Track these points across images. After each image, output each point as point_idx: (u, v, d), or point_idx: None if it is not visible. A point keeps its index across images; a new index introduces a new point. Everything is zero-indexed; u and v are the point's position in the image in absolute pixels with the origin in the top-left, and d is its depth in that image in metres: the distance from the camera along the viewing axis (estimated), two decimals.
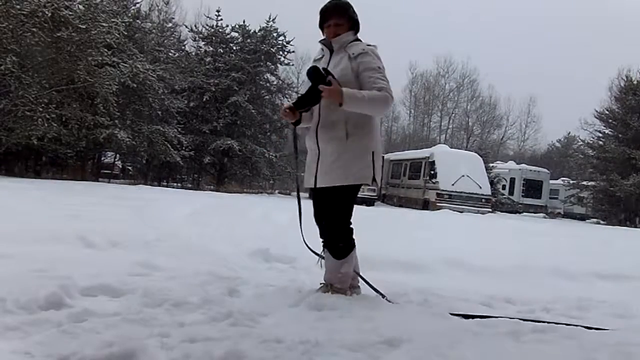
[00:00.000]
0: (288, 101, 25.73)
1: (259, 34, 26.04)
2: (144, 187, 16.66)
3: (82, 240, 4.38)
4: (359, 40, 3.26)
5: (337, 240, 3.19)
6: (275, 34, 26.00)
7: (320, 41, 3.34)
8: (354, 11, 3.28)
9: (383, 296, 3.25)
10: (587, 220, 27.45)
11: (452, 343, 2.48)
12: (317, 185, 3.20)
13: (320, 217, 3.26)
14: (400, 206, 23.91)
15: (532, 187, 31.48)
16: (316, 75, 3.06)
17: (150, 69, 19.19)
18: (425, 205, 21.93)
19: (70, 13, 15.81)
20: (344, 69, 3.13)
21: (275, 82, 27.27)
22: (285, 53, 26.22)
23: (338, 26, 3.22)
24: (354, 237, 3.25)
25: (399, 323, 2.76)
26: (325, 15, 3.24)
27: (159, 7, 28.04)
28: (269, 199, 19.06)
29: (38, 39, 15.03)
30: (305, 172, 3.34)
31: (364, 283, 3.39)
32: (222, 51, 26.21)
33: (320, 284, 3.28)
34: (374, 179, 3.21)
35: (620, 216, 26.08)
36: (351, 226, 3.24)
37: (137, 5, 22.73)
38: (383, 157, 3.54)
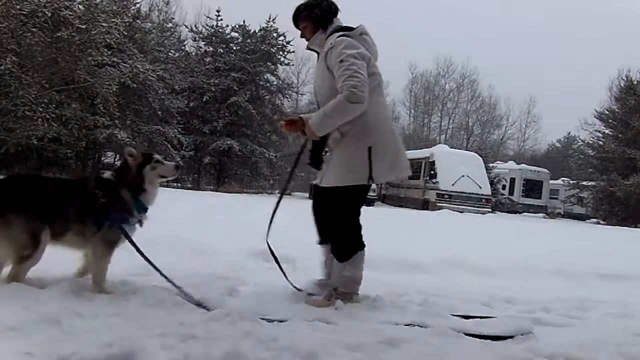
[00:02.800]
0: (288, 100, 24.90)
1: (259, 34, 26.01)
2: None
3: None
4: (335, 32, 3.19)
5: (339, 241, 3.16)
6: (275, 34, 25.96)
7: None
8: (312, 9, 3.25)
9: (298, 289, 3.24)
10: (587, 220, 27.42)
11: (453, 343, 2.49)
12: (320, 184, 3.20)
13: (318, 216, 3.26)
14: (400, 206, 23.88)
15: (532, 187, 31.43)
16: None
17: (150, 69, 19.17)
18: (425, 205, 21.94)
19: (70, 13, 15.78)
20: (323, 70, 3.16)
21: (275, 82, 27.25)
22: (285, 53, 26.19)
23: (304, 29, 3.30)
24: (363, 240, 3.21)
25: (399, 323, 2.76)
26: (294, 24, 3.35)
27: (159, 7, 28.06)
28: (269, 199, 19.03)
29: (38, 39, 15.01)
30: None
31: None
32: (222, 51, 26.18)
33: (318, 281, 3.29)
34: (370, 177, 3.07)
35: (620, 216, 26.05)
36: (356, 228, 3.19)
37: (137, 5, 22.70)
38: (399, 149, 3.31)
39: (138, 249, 3.02)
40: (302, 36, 3.35)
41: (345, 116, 2.99)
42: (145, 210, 3.10)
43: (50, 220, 2.84)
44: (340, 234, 3.16)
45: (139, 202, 3.06)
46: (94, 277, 2.94)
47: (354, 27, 3.22)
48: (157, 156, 3.17)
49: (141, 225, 3.11)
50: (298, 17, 3.31)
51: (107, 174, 3.11)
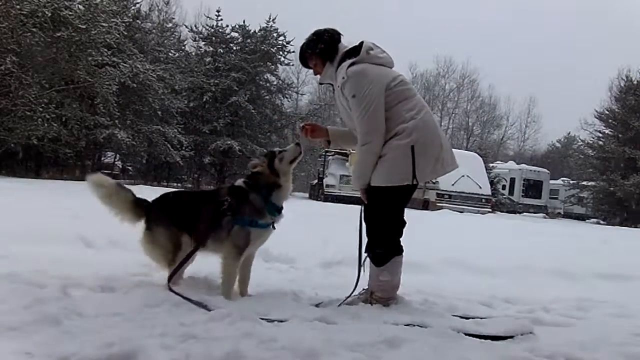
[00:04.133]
0: (288, 100, 24.90)
1: (259, 34, 26.00)
2: (144, 187, 16.64)
3: (82, 240, 4.38)
4: (344, 60, 3.15)
5: (377, 245, 3.12)
6: (275, 34, 25.96)
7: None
8: (315, 45, 3.24)
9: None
10: (587, 220, 27.43)
11: (453, 343, 2.49)
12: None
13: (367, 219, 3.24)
14: None
15: (532, 187, 31.42)
16: None
17: (150, 69, 19.16)
18: (425, 205, 21.90)
19: (70, 13, 15.79)
20: (344, 102, 3.18)
21: (275, 82, 27.24)
22: (285, 53, 26.18)
23: (315, 67, 3.32)
24: (401, 246, 3.16)
25: (399, 323, 2.76)
26: (303, 65, 3.41)
27: (159, 7, 28.06)
28: None
29: (38, 39, 15.00)
30: None
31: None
32: (222, 51, 26.17)
33: (363, 289, 3.22)
34: (414, 177, 3.03)
35: (620, 216, 26.06)
36: (395, 232, 3.15)
37: (137, 5, 22.70)
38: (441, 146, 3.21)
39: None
40: (315, 73, 3.38)
41: (369, 158, 3.09)
42: (279, 211, 3.16)
43: (191, 229, 3.12)
44: (379, 237, 3.12)
45: (271, 204, 3.12)
46: (222, 280, 3.09)
47: (358, 45, 3.17)
48: (276, 149, 3.35)
49: (274, 227, 3.16)
50: (305, 57, 3.33)
51: (239, 182, 3.27)
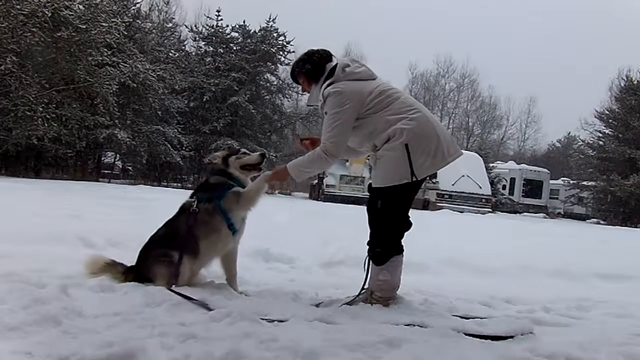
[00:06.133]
0: (288, 100, 24.88)
1: (259, 34, 26.03)
2: (144, 187, 16.66)
3: (82, 240, 4.38)
4: (327, 80, 3.22)
5: (377, 244, 3.13)
6: (275, 34, 25.99)
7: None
8: (303, 64, 3.33)
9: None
10: (587, 220, 27.42)
11: (453, 343, 2.49)
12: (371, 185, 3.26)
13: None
14: None
15: (532, 187, 31.42)
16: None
17: (150, 69, 19.18)
18: (425, 205, 21.91)
19: (70, 13, 15.79)
20: None
21: (275, 82, 27.26)
22: (285, 53, 26.21)
23: (303, 84, 3.44)
24: (402, 245, 3.17)
25: (399, 323, 2.76)
26: (294, 81, 3.59)
27: (159, 7, 28.11)
28: (269, 198, 19.03)
29: (38, 39, 15.00)
30: None
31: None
32: (222, 51, 26.20)
33: (364, 288, 3.22)
34: (412, 174, 3.04)
35: (620, 216, 26.06)
36: (396, 232, 3.16)
37: (137, 5, 22.73)
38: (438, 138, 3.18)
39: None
40: (303, 90, 3.52)
41: (320, 166, 3.26)
42: (243, 187, 3.34)
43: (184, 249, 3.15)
44: (380, 236, 3.13)
45: (234, 179, 3.33)
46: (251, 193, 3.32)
47: (336, 64, 3.25)
48: (243, 149, 3.56)
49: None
50: (294, 75, 3.46)
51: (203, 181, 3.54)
